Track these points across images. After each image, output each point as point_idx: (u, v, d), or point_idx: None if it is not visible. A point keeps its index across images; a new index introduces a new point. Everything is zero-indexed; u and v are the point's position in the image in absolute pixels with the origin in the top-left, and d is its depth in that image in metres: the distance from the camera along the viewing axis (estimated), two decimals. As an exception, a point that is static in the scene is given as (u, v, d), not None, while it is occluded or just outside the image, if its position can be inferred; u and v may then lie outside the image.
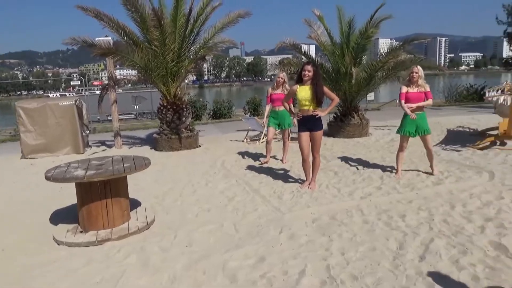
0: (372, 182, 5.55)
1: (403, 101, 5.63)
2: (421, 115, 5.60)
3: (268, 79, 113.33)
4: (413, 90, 5.54)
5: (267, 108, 7.13)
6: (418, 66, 5.62)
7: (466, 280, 2.87)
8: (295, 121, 6.76)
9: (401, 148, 5.81)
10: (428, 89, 5.53)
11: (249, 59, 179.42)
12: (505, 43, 26.98)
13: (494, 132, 8.20)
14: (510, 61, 24.90)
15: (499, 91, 8.18)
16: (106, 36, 9.49)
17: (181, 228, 4.21)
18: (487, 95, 8.31)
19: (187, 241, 3.88)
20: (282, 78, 6.79)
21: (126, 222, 4.32)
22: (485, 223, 3.88)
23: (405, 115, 5.60)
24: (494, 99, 7.82)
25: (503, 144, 7.53)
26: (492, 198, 4.62)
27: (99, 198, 4.10)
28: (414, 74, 5.48)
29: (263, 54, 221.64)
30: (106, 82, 9.74)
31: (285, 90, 6.72)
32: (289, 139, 9.07)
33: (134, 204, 4.97)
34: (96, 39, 8.92)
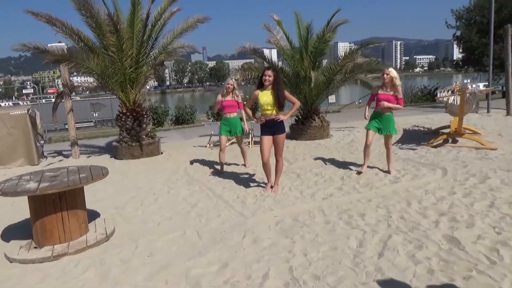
0: (333, 182, 5.67)
1: (367, 106, 6.10)
2: (388, 116, 5.85)
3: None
4: (384, 92, 5.76)
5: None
6: (390, 68, 5.82)
7: (422, 274, 2.98)
8: (246, 127, 6.76)
9: (366, 143, 6.03)
10: (401, 96, 5.76)
11: (211, 64, 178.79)
12: (455, 46, 28.46)
13: (446, 131, 8.63)
14: (460, 63, 26.29)
15: (449, 91, 8.60)
16: (60, 42, 9.15)
17: (142, 238, 4.11)
18: (438, 95, 8.71)
19: (148, 251, 3.79)
20: (231, 85, 6.66)
21: (84, 235, 4.17)
22: (439, 218, 4.05)
23: (374, 113, 5.94)
24: (445, 99, 8.22)
25: (454, 141, 7.93)
26: (445, 193, 4.84)
27: (54, 211, 3.92)
28: (385, 75, 5.72)
29: (225, 59, 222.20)
30: (62, 89, 9.38)
31: (235, 97, 6.64)
32: (252, 143, 9.14)
33: (93, 215, 4.81)
34: (49, 45, 8.57)
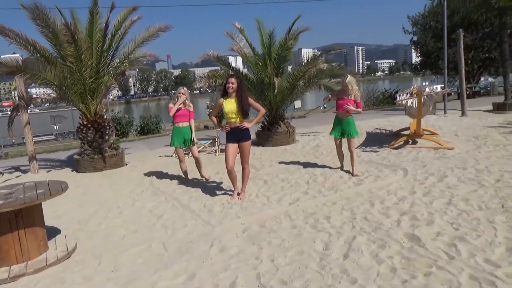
0: (300, 187, 5.73)
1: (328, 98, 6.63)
2: (349, 120, 6.13)
3: (198, 92, 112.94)
4: (343, 97, 6.05)
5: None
6: (347, 76, 6.09)
7: (385, 273, 3.06)
8: (194, 137, 6.53)
9: (336, 147, 6.49)
10: (359, 100, 6.05)
11: (176, 72, 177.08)
12: (413, 50, 29.68)
13: (406, 132, 8.94)
14: (418, 67, 27.44)
15: (408, 94, 8.93)
16: (14, 53, 8.79)
17: (106, 253, 3.98)
18: (397, 99, 9.02)
19: (112, 266, 3.67)
20: (183, 94, 6.49)
21: (44, 253, 3.98)
22: (401, 217, 4.18)
23: (335, 118, 6.27)
24: (403, 102, 8.52)
25: (414, 142, 8.22)
26: (406, 193, 5.01)
27: (9, 230, 3.74)
28: (342, 83, 6.10)
29: (190, 67, 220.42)
30: (18, 102, 8.98)
31: (187, 106, 6.48)
32: (219, 151, 9.10)
33: (54, 232, 4.62)
34: (2, 56, 8.21)
